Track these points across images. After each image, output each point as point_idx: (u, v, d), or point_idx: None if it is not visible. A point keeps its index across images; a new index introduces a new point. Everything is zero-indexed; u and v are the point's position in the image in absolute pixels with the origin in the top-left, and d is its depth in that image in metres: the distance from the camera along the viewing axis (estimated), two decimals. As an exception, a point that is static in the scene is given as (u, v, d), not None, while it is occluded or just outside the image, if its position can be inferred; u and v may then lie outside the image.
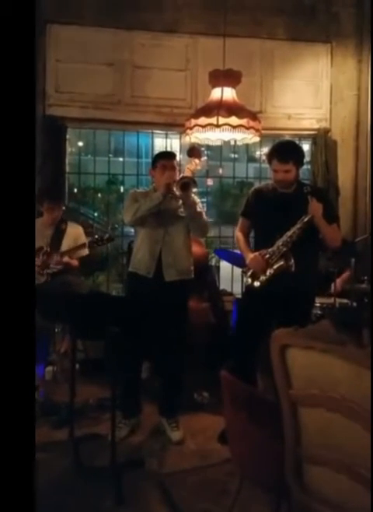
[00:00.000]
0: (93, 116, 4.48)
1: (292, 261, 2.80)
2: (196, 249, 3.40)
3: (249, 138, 3.89)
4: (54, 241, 3.77)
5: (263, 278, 2.87)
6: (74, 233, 3.86)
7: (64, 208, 3.99)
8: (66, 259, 3.71)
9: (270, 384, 1.81)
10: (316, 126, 4.76)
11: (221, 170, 5.36)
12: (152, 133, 4.88)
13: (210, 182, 5.82)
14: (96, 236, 3.86)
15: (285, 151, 2.88)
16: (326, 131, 4.74)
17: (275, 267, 2.83)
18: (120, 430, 2.95)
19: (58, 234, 3.81)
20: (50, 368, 3.89)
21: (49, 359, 3.89)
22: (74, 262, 3.82)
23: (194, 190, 3.00)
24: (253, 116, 3.78)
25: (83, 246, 3.78)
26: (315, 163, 4.70)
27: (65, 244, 3.78)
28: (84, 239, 3.86)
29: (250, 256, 2.94)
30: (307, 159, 4.42)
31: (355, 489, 1.51)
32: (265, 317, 2.84)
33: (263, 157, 4.60)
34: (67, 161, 4.61)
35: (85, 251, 3.87)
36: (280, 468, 1.67)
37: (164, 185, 2.92)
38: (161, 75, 4.54)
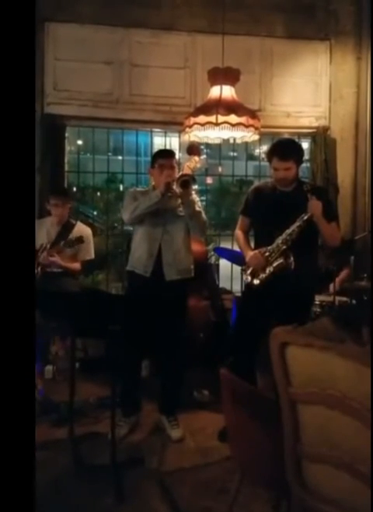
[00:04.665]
0: (92, 114, 4.48)
1: (291, 258, 2.80)
2: (195, 247, 3.40)
3: (249, 136, 3.89)
4: (59, 240, 3.68)
5: (262, 276, 2.87)
6: (81, 233, 3.72)
7: (70, 205, 3.93)
8: (54, 259, 3.56)
9: (270, 382, 1.81)
10: (315, 124, 4.76)
11: (220, 169, 5.36)
12: (151, 131, 4.88)
13: (209, 180, 5.82)
14: (71, 238, 3.65)
15: (286, 149, 2.88)
16: (325, 129, 4.74)
17: (274, 265, 2.84)
18: (119, 429, 2.95)
19: (64, 233, 3.73)
20: (49, 367, 3.89)
21: (48, 358, 3.89)
22: (75, 265, 3.74)
23: (194, 187, 2.99)
24: (252, 114, 3.77)
25: (63, 247, 3.56)
26: (314, 161, 4.70)
27: None
28: (90, 240, 3.77)
29: (250, 254, 2.94)
30: (306, 157, 4.41)
31: (355, 486, 1.51)
32: (264, 315, 2.83)
33: (263, 155, 4.59)
34: (66, 159, 4.61)
35: (91, 254, 3.80)
36: (279, 465, 1.67)
37: (163, 184, 2.91)
38: (159, 73, 4.53)
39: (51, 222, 3.79)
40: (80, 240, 3.58)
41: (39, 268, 3.54)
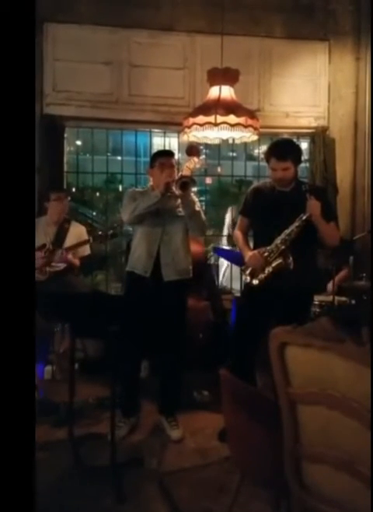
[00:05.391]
0: (91, 115, 4.49)
1: (291, 259, 2.80)
2: (194, 248, 3.41)
3: (248, 136, 3.89)
4: (57, 239, 3.75)
5: (261, 276, 2.87)
6: (78, 232, 3.84)
7: (69, 199, 3.98)
8: (69, 257, 3.69)
9: (269, 382, 1.82)
10: (314, 124, 4.77)
11: (219, 169, 5.37)
12: (150, 132, 4.88)
13: (208, 181, 5.82)
14: (100, 233, 3.81)
15: (283, 149, 2.89)
16: (324, 129, 4.74)
17: (274, 265, 2.84)
18: (119, 429, 2.95)
19: (62, 232, 3.80)
20: (49, 367, 3.89)
21: (48, 358, 3.89)
22: (76, 261, 3.81)
23: (193, 189, 2.99)
24: (251, 114, 3.78)
25: (85, 242, 3.75)
26: (313, 161, 4.70)
27: (68, 243, 3.77)
28: (86, 237, 3.85)
29: (249, 254, 2.94)
30: (305, 157, 4.42)
31: (355, 486, 1.51)
32: (264, 315, 2.84)
33: (262, 155, 4.60)
34: (65, 160, 4.61)
35: (87, 251, 3.87)
36: (279, 465, 1.67)
37: (163, 183, 2.92)
38: (158, 74, 4.54)
39: (47, 221, 3.82)
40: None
41: (46, 269, 3.59)
